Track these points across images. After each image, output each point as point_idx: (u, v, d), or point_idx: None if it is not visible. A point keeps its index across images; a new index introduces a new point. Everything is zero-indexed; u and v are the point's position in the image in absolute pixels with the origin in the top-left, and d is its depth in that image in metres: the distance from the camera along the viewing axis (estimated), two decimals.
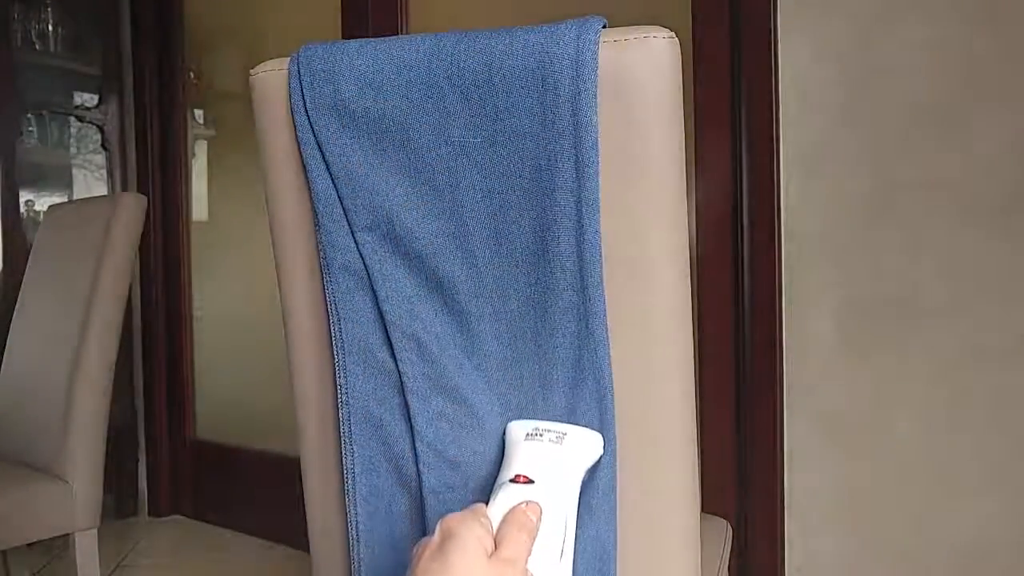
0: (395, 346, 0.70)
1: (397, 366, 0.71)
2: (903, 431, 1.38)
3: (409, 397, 0.71)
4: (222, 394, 2.58)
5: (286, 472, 2.30)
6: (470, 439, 0.71)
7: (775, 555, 1.51)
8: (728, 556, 1.02)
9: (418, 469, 0.71)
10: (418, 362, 0.70)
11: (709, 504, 1.57)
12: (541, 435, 0.66)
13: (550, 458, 0.64)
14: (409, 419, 0.71)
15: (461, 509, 0.60)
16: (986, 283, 1.30)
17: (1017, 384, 1.28)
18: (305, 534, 0.83)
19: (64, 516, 1.45)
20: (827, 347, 1.44)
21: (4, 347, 1.70)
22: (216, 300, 2.58)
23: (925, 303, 1.35)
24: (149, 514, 2.62)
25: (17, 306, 1.70)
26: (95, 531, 1.49)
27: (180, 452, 2.61)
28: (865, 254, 1.40)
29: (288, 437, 2.31)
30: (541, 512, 0.60)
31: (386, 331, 0.71)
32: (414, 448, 0.71)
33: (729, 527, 1.08)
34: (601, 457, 0.66)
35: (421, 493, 0.71)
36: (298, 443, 0.81)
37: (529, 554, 0.57)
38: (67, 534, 1.47)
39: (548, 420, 0.68)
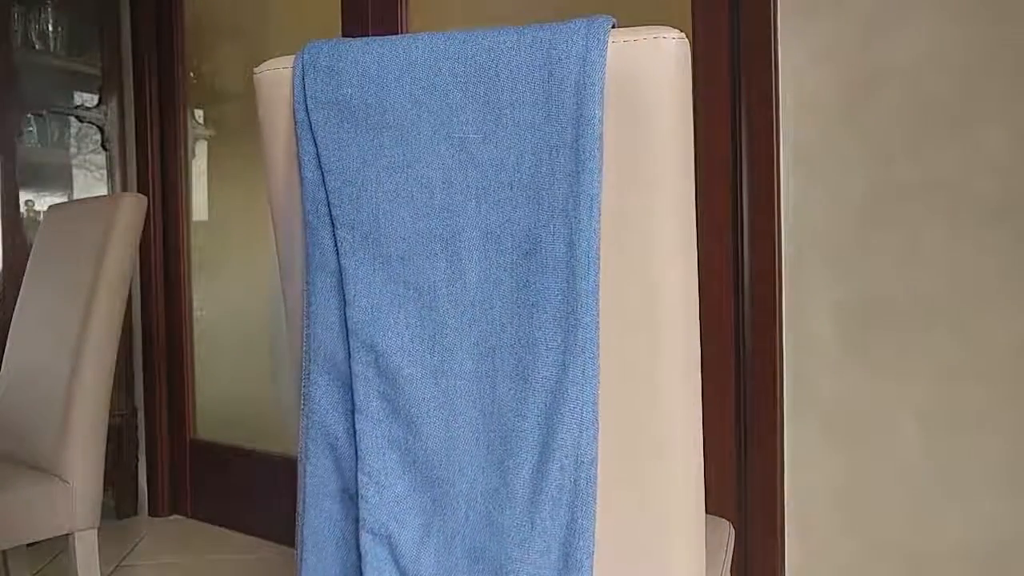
0: (352, 356, 0.66)
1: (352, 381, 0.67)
2: (903, 431, 1.38)
3: (357, 417, 0.66)
4: (222, 394, 2.58)
5: (286, 472, 2.30)
6: (420, 475, 0.66)
7: (775, 555, 1.51)
8: (731, 556, 1.02)
9: (358, 504, 0.66)
10: (374, 378, 0.66)
11: (709, 504, 1.57)
12: None
13: None
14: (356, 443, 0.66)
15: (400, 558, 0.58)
16: (986, 283, 1.30)
17: (1017, 385, 1.28)
18: None
19: (64, 516, 1.45)
20: (827, 347, 1.44)
21: (4, 347, 1.69)
22: (216, 300, 2.58)
23: (925, 303, 1.35)
24: (149, 514, 2.62)
25: (17, 306, 1.70)
26: (95, 531, 1.49)
27: (180, 452, 2.61)
28: (865, 254, 1.40)
29: (288, 437, 2.31)
30: None
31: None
32: (356, 478, 0.66)
33: (731, 527, 1.08)
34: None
35: (357, 528, 0.67)
36: (298, 442, 0.81)
37: None
38: (67, 534, 1.46)
39: (522, 450, 0.64)
